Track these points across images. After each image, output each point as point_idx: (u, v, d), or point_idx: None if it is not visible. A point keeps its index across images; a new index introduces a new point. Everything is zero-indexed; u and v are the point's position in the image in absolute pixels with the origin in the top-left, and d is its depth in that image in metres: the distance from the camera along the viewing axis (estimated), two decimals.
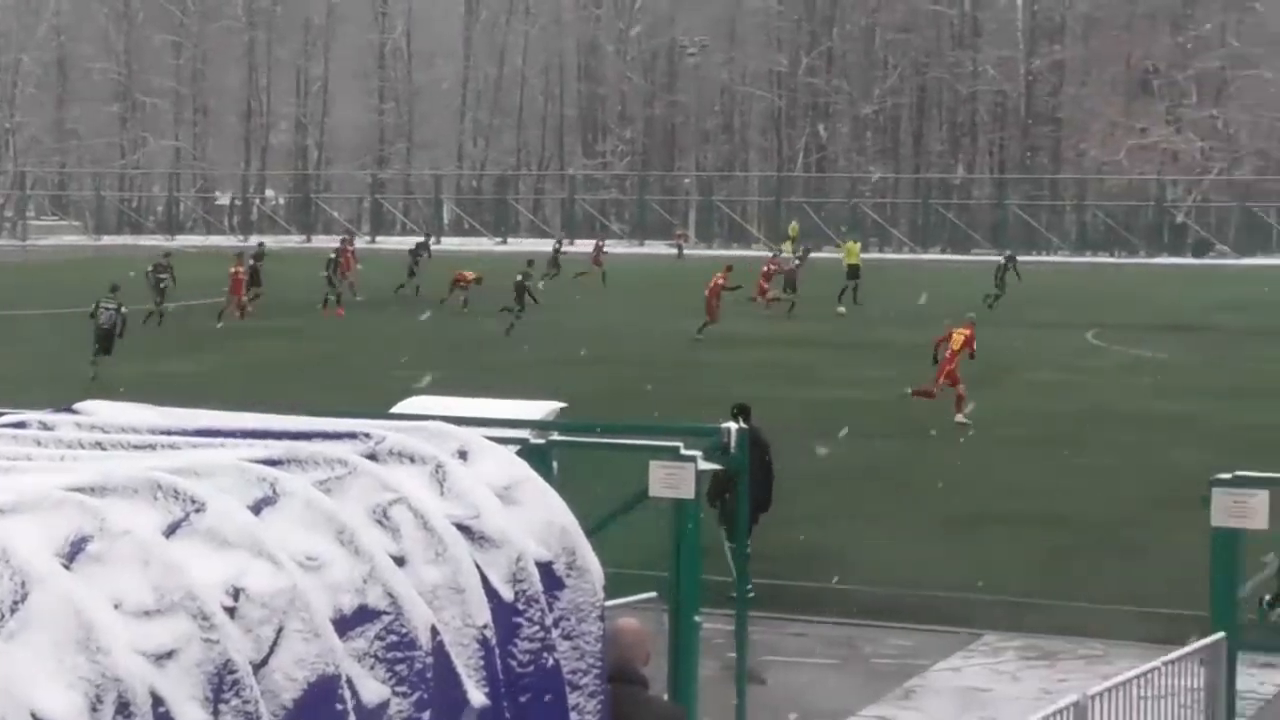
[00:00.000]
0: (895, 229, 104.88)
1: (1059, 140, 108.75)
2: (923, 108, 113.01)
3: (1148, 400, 35.75)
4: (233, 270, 53.58)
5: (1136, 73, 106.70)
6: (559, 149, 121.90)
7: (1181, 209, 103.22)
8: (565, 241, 77.85)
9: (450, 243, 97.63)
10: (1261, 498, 11.78)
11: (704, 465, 12.35)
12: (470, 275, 55.97)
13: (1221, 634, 11.81)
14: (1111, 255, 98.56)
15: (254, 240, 79.89)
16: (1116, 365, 42.39)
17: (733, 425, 13.28)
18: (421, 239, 74.46)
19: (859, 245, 65.54)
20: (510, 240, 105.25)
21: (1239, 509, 11.79)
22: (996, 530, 23.12)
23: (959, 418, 32.34)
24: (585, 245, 79.09)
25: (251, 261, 55.19)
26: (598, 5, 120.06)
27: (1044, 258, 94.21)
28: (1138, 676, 11.29)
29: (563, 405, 20.30)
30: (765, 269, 56.37)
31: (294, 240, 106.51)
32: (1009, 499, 25.14)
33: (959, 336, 33.56)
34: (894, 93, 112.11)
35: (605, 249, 74.61)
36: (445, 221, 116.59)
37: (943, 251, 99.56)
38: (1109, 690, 10.89)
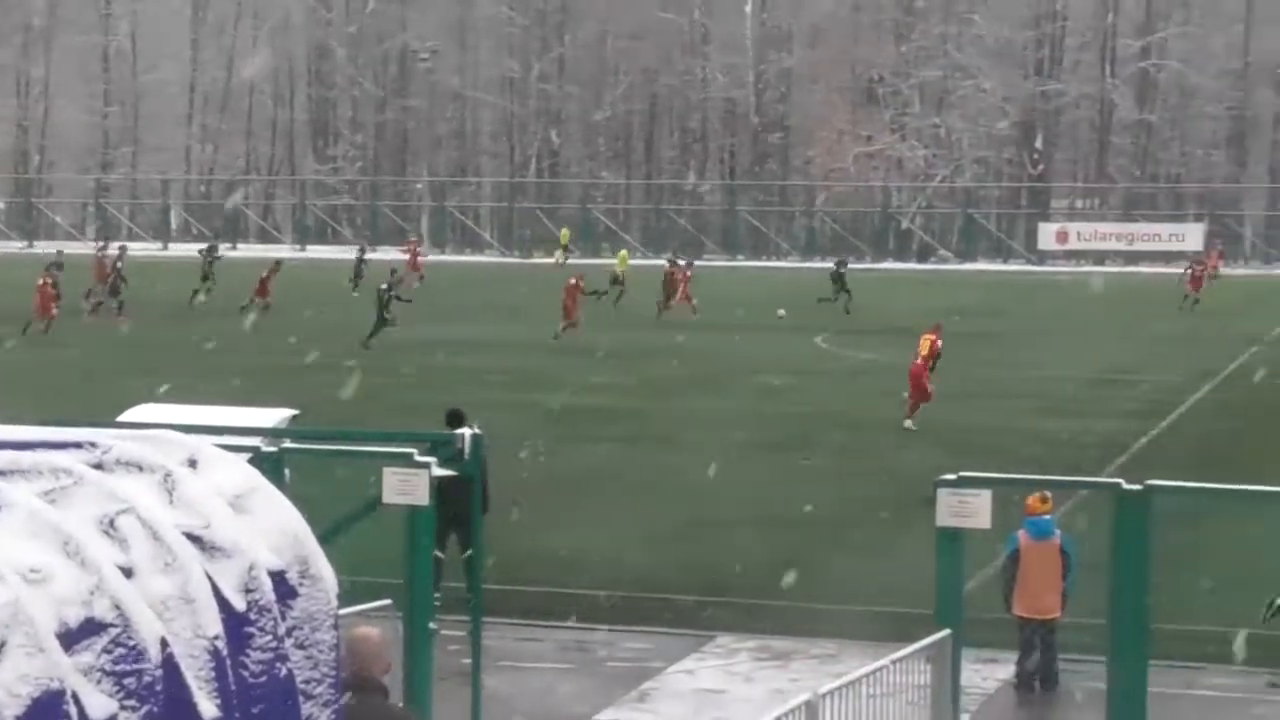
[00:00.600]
0: (628, 234, 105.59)
1: (788, 147, 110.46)
2: (654, 114, 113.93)
3: (874, 403, 36.42)
4: None
5: (862, 82, 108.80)
6: (289, 153, 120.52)
7: (906, 215, 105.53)
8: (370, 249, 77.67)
9: (176, 249, 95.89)
10: (984, 497, 12.06)
11: (438, 471, 12.32)
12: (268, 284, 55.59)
13: (947, 631, 12.07)
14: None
15: None
16: (844, 369, 43.14)
17: (467, 431, 13.28)
18: (211, 243, 72.34)
19: (627, 254, 66.68)
20: (239, 246, 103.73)
21: (963, 509, 12.06)
22: (728, 533, 23.37)
23: (907, 423, 32.69)
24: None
25: None
26: (328, 9, 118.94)
27: (773, 263, 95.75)
28: (867, 675, 11.50)
29: (295, 412, 20.09)
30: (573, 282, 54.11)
31: (15, 246, 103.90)
32: (740, 502, 25.43)
33: (926, 342, 33.96)
34: (625, 99, 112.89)
35: (421, 255, 74.67)
36: (173, 226, 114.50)
37: (676, 257, 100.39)
38: (840, 689, 11.07)
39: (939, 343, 34.13)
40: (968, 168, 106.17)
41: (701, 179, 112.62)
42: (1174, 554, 19.16)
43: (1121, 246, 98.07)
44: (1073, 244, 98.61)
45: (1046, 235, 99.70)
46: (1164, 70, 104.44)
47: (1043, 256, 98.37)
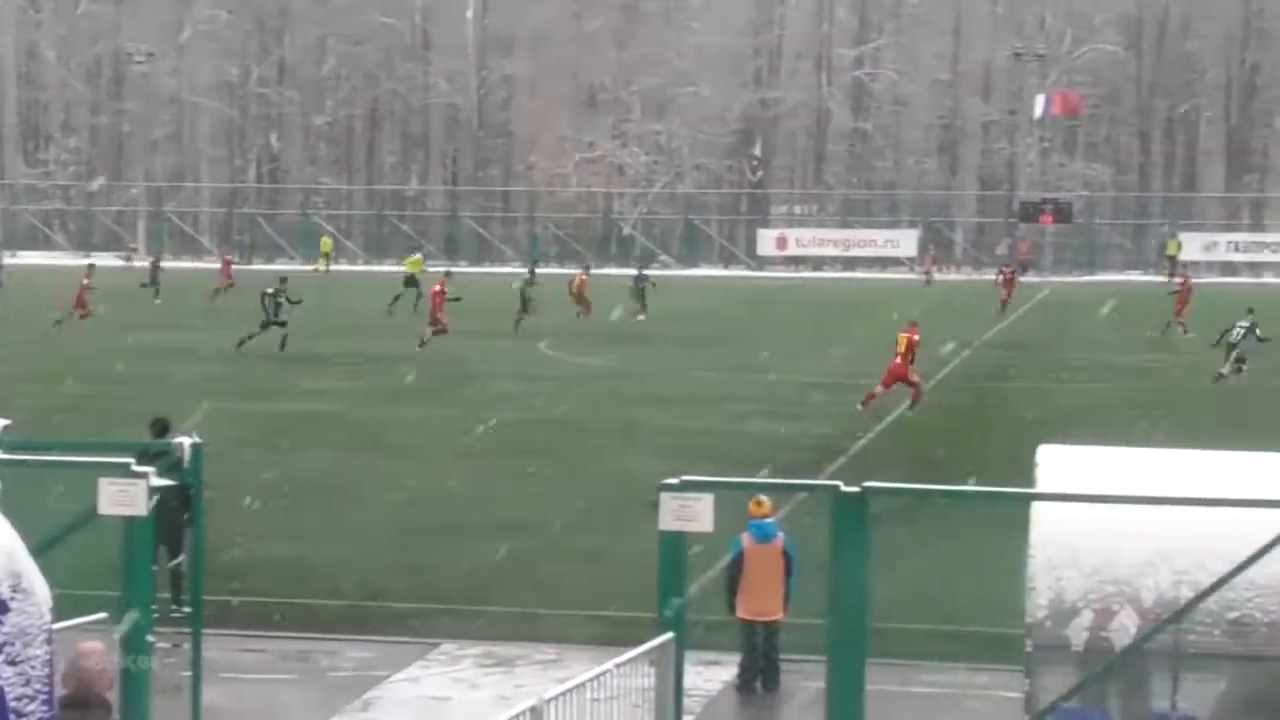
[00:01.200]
0: (350, 240, 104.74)
1: (511, 153, 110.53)
2: (375, 119, 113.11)
3: (598, 409, 36.60)
4: None
5: (584, 88, 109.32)
6: None
7: (628, 221, 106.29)
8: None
9: None
10: (706, 501, 12.17)
11: (156, 482, 12.07)
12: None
13: (670, 634, 12.15)
14: (562, 266, 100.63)
15: None
16: (568, 375, 43.26)
17: (186, 440, 13.03)
18: None
19: (421, 258, 67.90)
20: None
21: (685, 512, 12.15)
22: (452, 539, 23.29)
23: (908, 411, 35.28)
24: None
25: None
26: (37, 10, 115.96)
27: (496, 269, 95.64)
28: (591, 679, 11.54)
29: (6, 422, 19.54)
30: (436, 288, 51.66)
31: None
32: (464, 508, 25.37)
33: (903, 339, 35.87)
34: (346, 104, 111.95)
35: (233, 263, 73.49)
36: None
37: (398, 263, 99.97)
38: (564, 694, 11.09)
39: (916, 338, 36.15)
40: (688, 174, 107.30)
41: (424, 185, 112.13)
42: (891, 553, 19.56)
43: (839, 252, 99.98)
44: (791, 250, 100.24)
45: (766, 241, 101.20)
46: (878, 79, 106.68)
47: (762, 262, 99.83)
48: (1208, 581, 11.67)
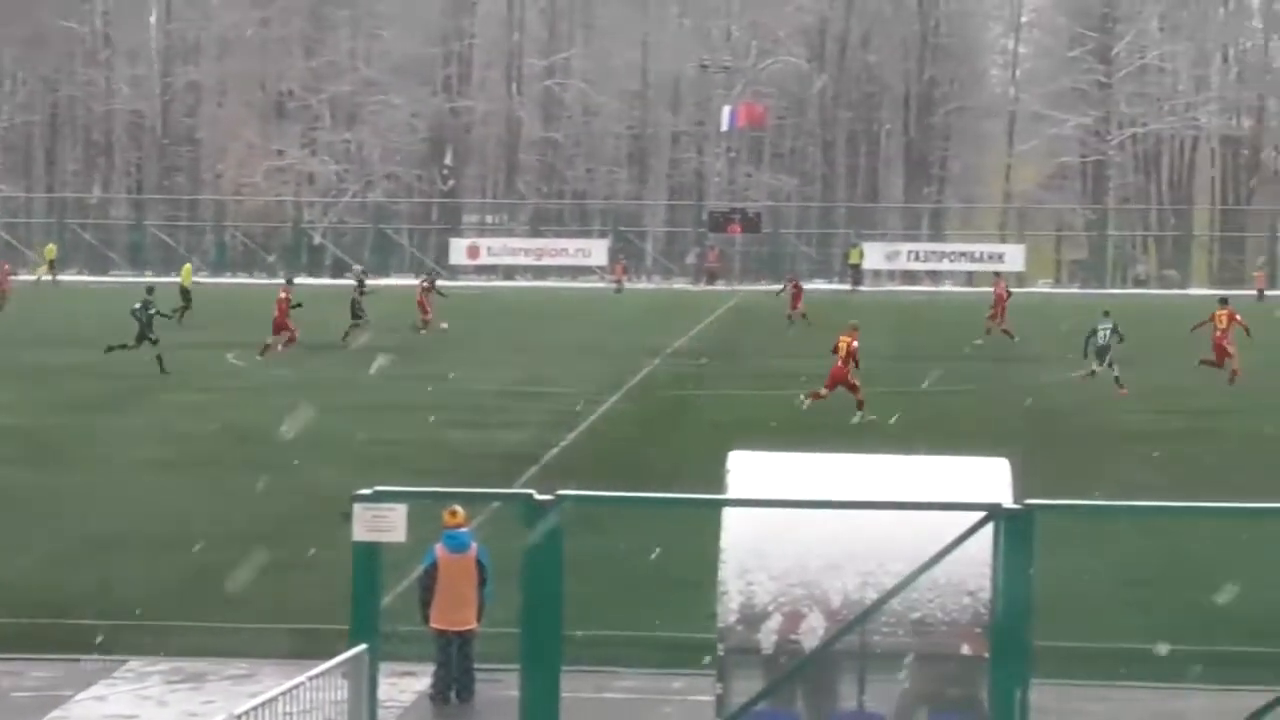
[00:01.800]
0: (29, 249, 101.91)
1: (198, 160, 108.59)
2: (55, 125, 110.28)
3: (289, 419, 36.14)
4: None
5: (272, 95, 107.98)
6: None
7: (318, 230, 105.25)
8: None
9: None
10: (400, 511, 12.12)
11: None
12: None
13: (363, 646, 12.07)
14: (250, 275, 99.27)
15: None
16: (256, 385, 42.65)
17: None
18: None
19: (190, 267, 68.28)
20: None
21: (378, 523, 12.08)
22: (138, 554, 22.82)
23: (857, 418, 35.63)
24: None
25: None
26: None
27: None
28: (283, 693, 11.41)
29: None
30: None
31: None
32: (150, 521, 24.86)
33: (843, 343, 36.71)
34: (25, 109, 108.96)
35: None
36: None
37: (79, 273, 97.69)
38: (255, 709, 10.95)
39: (855, 344, 37.05)
40: (379, 183, 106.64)
41: (107, 193, 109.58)
42: (584, 560, 19.67)
43: (530, 261, 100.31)
44: (483, 259, 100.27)
45: (458, 250, 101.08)
46: (568, 89, 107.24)
47: (455, 271, 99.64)
48: (891, 583, 11.97)
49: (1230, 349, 43.79)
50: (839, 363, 37.20)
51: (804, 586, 12.58)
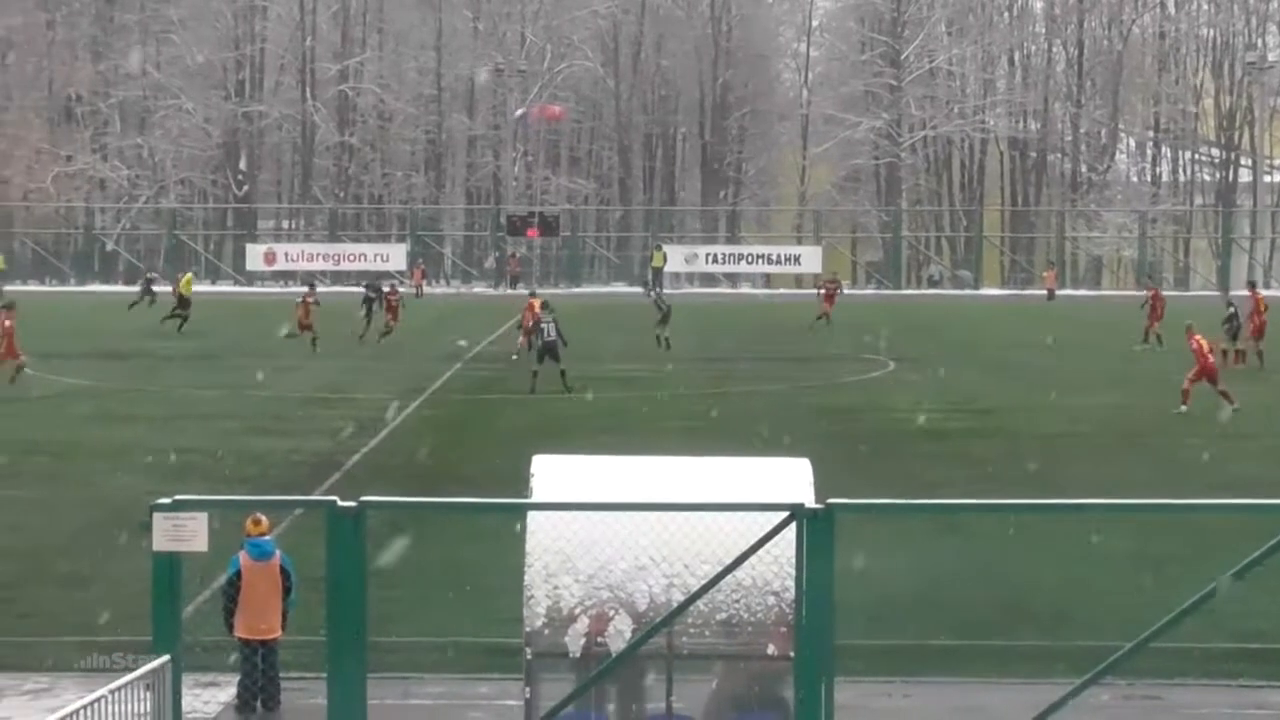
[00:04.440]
0: None
1: None
2: None
3: (84, 428, 35.55)
4: None
5: (60, 100, 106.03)
6: None
7: (111, 237, 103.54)
8: None
9: None
10: (201, 520, 12.00)
11: None
12: None
13: (165, 657, 11.93)
14: (43, 283, 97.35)
15: None
16: (49, 394, 41.84)
17: None
18: None
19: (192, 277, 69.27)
20: None
21: (179, 532, 11.95)
22: None
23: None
24: None
25: None
26: None
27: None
28: (84, 707, 11.23)
29: None
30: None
31: None
32: None
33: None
34: None
35: None
36: None
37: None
38: None
39: None
40: (172, 189, 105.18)
41: None
42: (389, 567, 19.60)
43: (328, 266, 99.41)
44: (280, 265, 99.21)
45: (255, 256, 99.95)
46: (362, 94, 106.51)
47: (251, 278, 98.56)
48: (697, 584, 12.07)
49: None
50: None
51: (610, 589, 12.63)
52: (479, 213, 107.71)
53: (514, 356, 50.11)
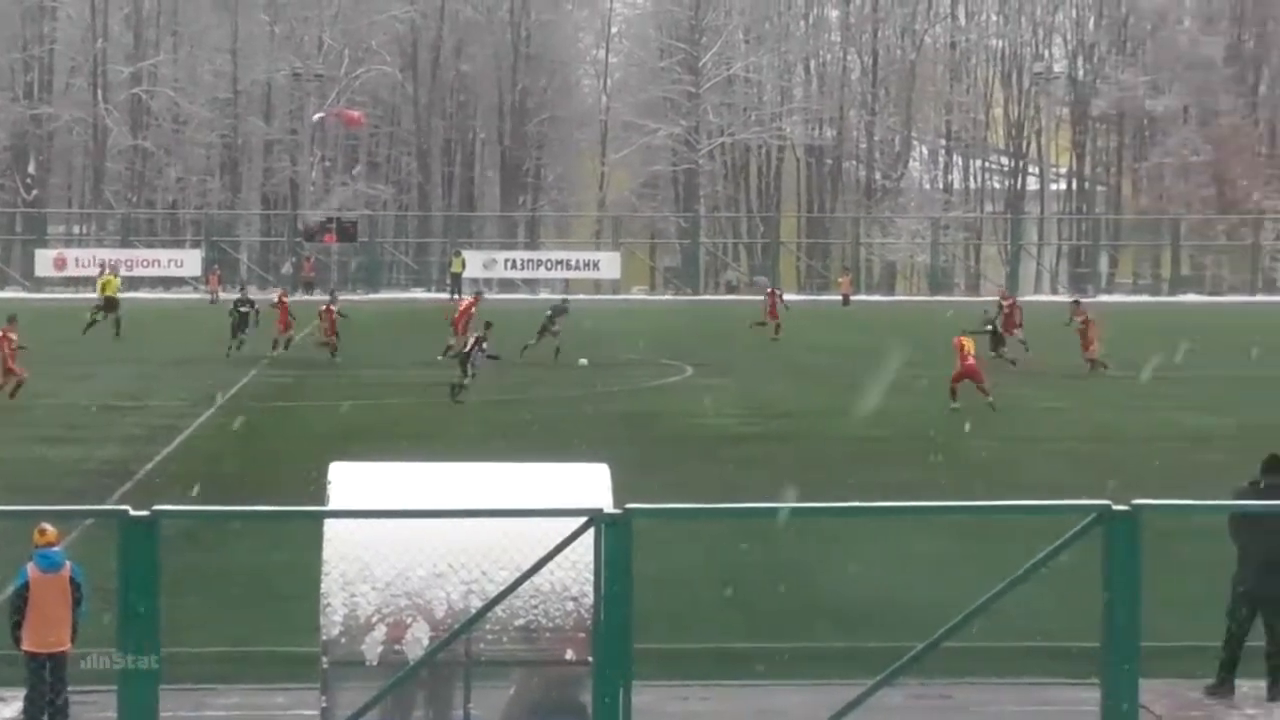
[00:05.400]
0: None
1: None
2: None
3: None
4: None
5: None
6: None
7: None
8: None
9: None
10: None
11: None
12: None
13: None
14: None
15: None
16: None
17: None
18: None
19: (118, 279, 66.37)
20: None
21: None
22: None
23: None
24: None
25: None
26: None
27: None
28: None
29: None
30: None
31: None
32: None
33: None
34: None
35: None
36: None
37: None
38: None
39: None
40: None
41: None
42: (182, 576, 19.31)
43: (122, 272, 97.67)
44: (71, 270, 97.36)
45: (44, 261, 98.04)
46: (156, 97, 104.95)
47: (40, 283, 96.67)
48: (496, 591, 12.03)
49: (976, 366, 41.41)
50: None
51: (408, 597, 12.56)
52: (276, 218, 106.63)
53: (445, 355, 49.71)
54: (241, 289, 60.42)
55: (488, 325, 43.84)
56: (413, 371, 48.89)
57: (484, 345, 42.17)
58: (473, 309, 51.92)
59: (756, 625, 19.83)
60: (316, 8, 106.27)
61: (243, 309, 54.42)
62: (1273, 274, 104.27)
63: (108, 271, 69.49)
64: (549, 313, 54.22)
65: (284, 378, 47.87)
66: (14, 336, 41.33)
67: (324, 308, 53.71)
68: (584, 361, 50.17)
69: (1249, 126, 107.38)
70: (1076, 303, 55.52)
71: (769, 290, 66.20)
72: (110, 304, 61.03)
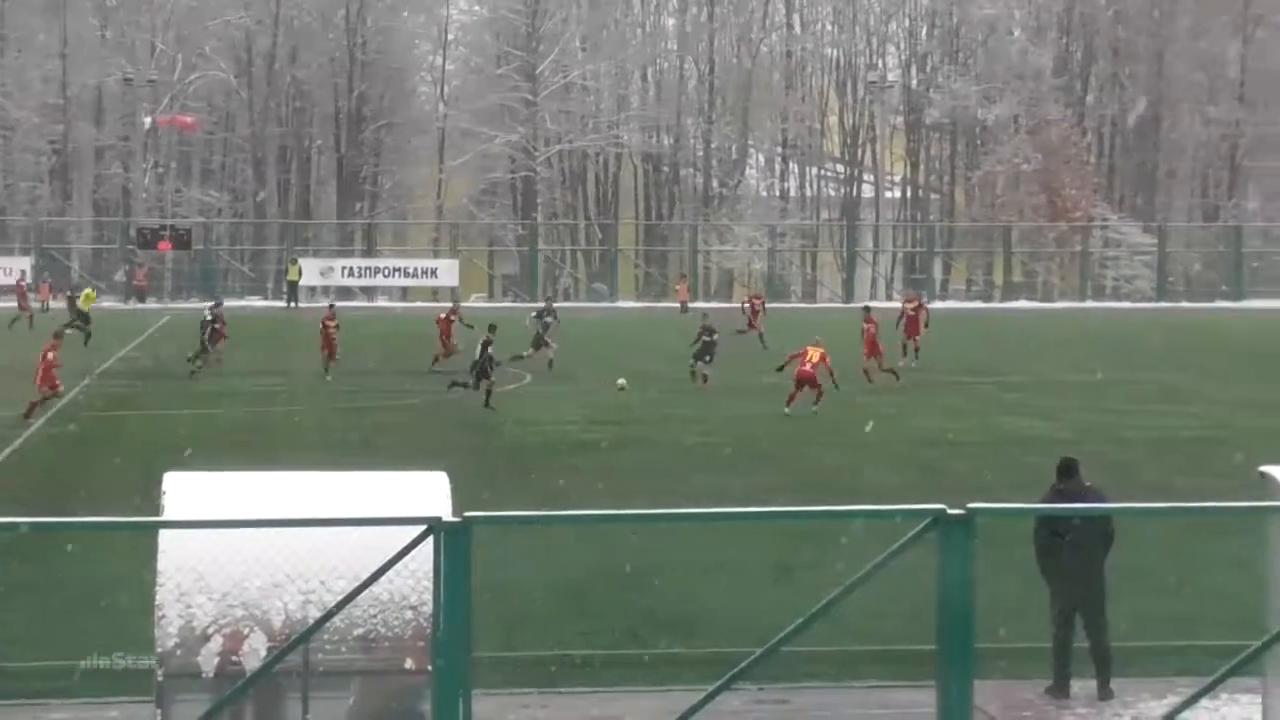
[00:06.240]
0: None
1: None
2: None
3: None
4: None
5: None
6: None
7: None
8: None
9: None
10: None
11: None
12: None
13: None
14: None
15: None
16: None
17: None
18: None
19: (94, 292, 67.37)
20: None
21: None
22: None
23: None
24: None
25: None
26: None
27: None
28: None
29: None
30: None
31: None
32: None
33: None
34: None
35: None
36: None
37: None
38: None
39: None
40: None
41: None
42: (12, 590, 18.99)
43: None
44: None
45: None
46: None
47: None
48: (334, 600, 11.95)
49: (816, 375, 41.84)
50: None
51: (244, 607, 12.44)
52: (108, 225, 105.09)
53: (434, 367, 49.77)
54: (216, 303, 58.91)
55: (491, 328, 43.65)
56: (248, 380, 48.40)
57: (490, 349, 42.03)
58: (453, 317, 52.53)
59: (596, 632, 19.84)
60: (149, 12, 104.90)
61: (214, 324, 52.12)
62: (1101, 280, 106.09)
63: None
64: (537, 317, 54.42)
65: (119, 387, 47.20)
66: (52, 354, 40.40)
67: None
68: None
69: (1077, 136, 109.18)
70: (913, 295, 56.82)
71: (751, 298, 66.48)
72: (83, 317, 62.76)
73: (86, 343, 58.96)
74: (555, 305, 58.96)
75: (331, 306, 53.75)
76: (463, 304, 63.79)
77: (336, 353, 49.56)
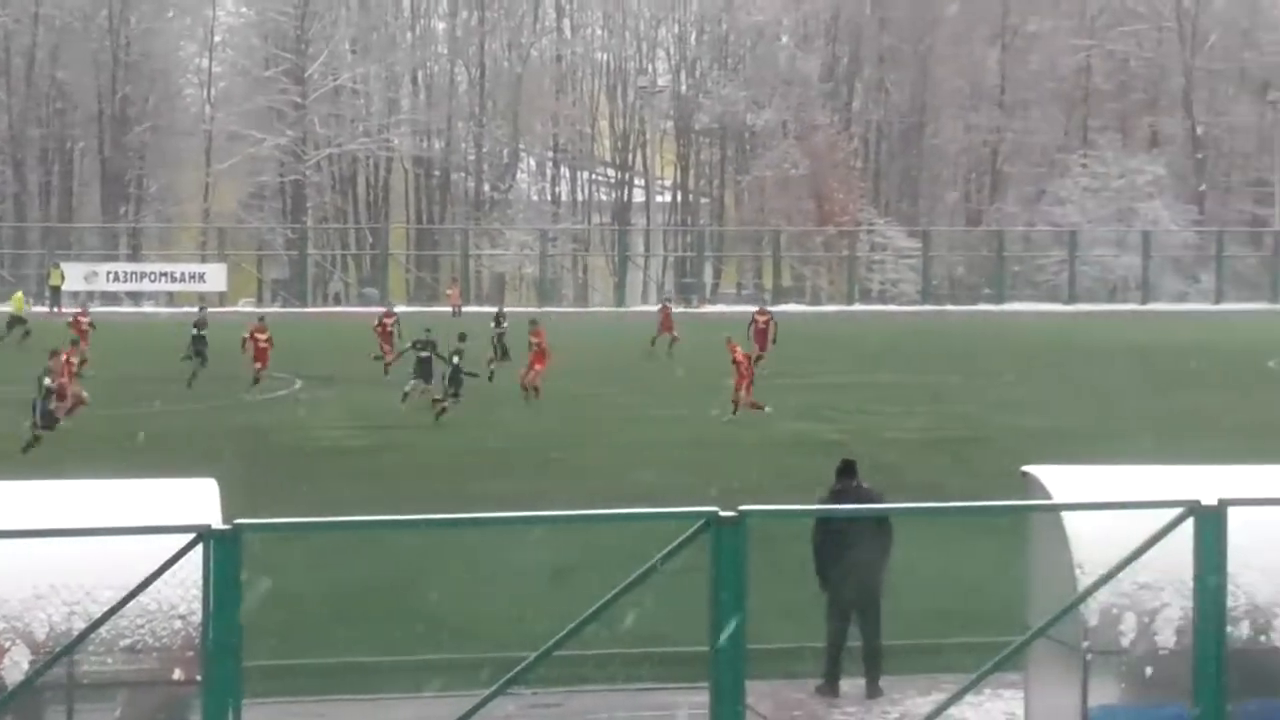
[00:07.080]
0: None
1: None
2: None
3: None
4: None
5: None
6: None
7: None
8: None
9: None
10: None
11: None
12: None
13: None
14: None
15: None
16: None
17: None
18: None
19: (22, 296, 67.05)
20: None
21: None
22: None
23: None
24: None
25: None
26: None
27: None
28: None
29: None
30: None
31: None
32: None
33: None
34: None
35: None
36: None
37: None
38: None
39: None
40: None
41: None
42: None
43: None
44: None
45: None
46: None
47: None
48: (100, 611, 11.72)
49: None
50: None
51: (6, 620, 12.16)
52: None
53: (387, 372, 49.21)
54: (201, 309, 56.40)
55: (462, 337, 42.69)
56: (8, 387, 47.30)
57: (459, 360, 41.02)
58: (388, 321, 53.18)
59: (370, 638, 19.71)
60: None
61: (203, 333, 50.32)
62: (868, 284, 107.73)
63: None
64: (495, 325, 54.07)
65: None
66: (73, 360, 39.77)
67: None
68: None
69: (844, 141, 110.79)
70: (764, 309, 58.08)
71: (663, 303, 66.54)
72: (17, 320, 62.87)
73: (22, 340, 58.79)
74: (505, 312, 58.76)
75: (262, 319, 50.46)
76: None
77: (268, 365, 47.34)
